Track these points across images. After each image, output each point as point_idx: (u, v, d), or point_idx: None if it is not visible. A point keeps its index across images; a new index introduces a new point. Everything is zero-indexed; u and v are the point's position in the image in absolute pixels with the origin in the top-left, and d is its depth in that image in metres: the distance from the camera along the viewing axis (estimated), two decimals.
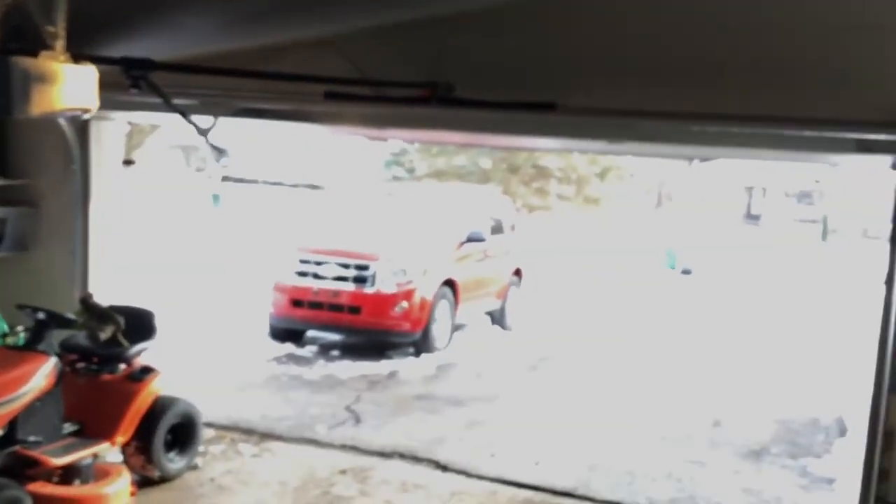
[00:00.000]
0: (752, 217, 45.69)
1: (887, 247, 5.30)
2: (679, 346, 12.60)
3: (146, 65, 4.16)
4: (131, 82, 4.20)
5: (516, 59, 5.59)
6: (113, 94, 4.64)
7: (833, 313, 15.72)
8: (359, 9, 5.36)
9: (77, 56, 3.36)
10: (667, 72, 5.15)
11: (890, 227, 5.30)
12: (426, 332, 10.45)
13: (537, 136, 5.77)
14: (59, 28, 3.20)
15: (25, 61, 3.10)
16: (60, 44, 3.23)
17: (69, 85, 3.20)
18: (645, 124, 5.22)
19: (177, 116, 4.82)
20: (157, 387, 6.09)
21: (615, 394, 9.51)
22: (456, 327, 11.26)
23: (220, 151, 4.94)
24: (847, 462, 7.12)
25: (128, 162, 4.69)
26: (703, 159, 6.99)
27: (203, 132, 4.91)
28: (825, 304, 17.16)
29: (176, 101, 4.72)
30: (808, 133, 4.55)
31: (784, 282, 21.08)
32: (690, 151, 6.97)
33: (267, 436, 7.27)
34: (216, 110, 5.16)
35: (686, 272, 22.38)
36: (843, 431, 8.49)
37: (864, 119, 4.45)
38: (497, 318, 12.42)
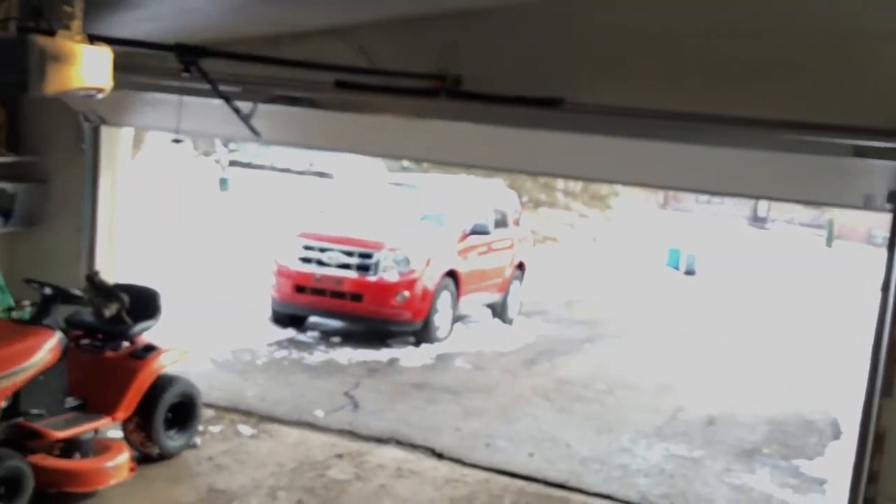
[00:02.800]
0: (757, 220, 45.66)
1: (885, 253, 5.35)
2: (678, 343, 12.67)
3: (197, 52, 4.31)
4: (183, 67, 4.34)
5: (525, 54, 5.64)
6: (164, 78, 4.82)
7: (834, 317, 15.79)
8: None
9: (93, 37, 3.44)
10: (671, 72, 5.21)
11: (889, 234, 5.35)
12: (427, 322, 10.53)
13: (543, 129, 5.80)
14: (76, 9, 3.28)
15: (43, 40, 3.18)
16: (77, 24, 3.30)
17: (84, 64, 3.28)
18: (649, 122, 5.25)
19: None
20: (159, 365, 6.18)
21: (611, 389, 9.58)
22: (457, 318, 11.34)
23: (258, 135, 5.04)
24: (839, 464, 7.19)
25: (177, 140, 4.83)
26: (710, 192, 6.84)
27: (244, 118, 5.04)
28: (826, 308, 17.23)
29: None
30: (807, 137, 4.60)
31: (787, 285, 21.15)
32: (690, 180, 6.76)
33: (266, 418, 7.36)
34: (255, 97, 5.28)
35: (690, 272, 22.42)
36: (837, 434, 8.55)
37: (862, 125, 4.49)
38: (498, 310, 12.50)
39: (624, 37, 5.37)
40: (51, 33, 3.25)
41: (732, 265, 24.02)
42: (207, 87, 5.31)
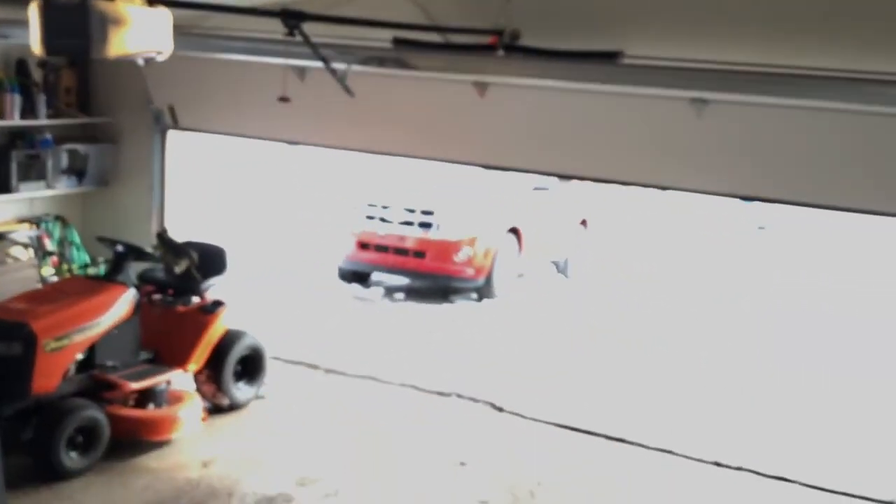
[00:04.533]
0: None
1: None
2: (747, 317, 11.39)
3: (299, 16, 4.53)
4: (288, 31, 4.56)
5: (584, 6, 5.57)
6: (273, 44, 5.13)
7: None
8: None
9: (153, 0, 3.53)
10: (733, 21, 5.08)
11: None
12: (489, 279, 10.60)
13: (603, 83, 5.72)
14: None
15: (103, 5, 3.28)
16: None
17: (144, 28, 3.38)
18: (710, 75, 5.13)
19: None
20: (226, 319, 6.39)
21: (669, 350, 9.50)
22: (520, 275, 11.37)
23: (352, 94, 5.19)
24: None
25: (283, 99, 5.00)
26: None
27: (340, 78, 5.22)
28: None
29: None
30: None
31: (871, 241, 18.97)
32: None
33: (331, 371, 7.55)
34: (348, 58, 5.44)
35: (761, 228, 21.79)
36: None
37: None
38: (561, 267, 12.48)
39: None
40: None
41: (810, 219, 22.18)
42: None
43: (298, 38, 4.58)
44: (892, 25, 4.60)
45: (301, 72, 5.87)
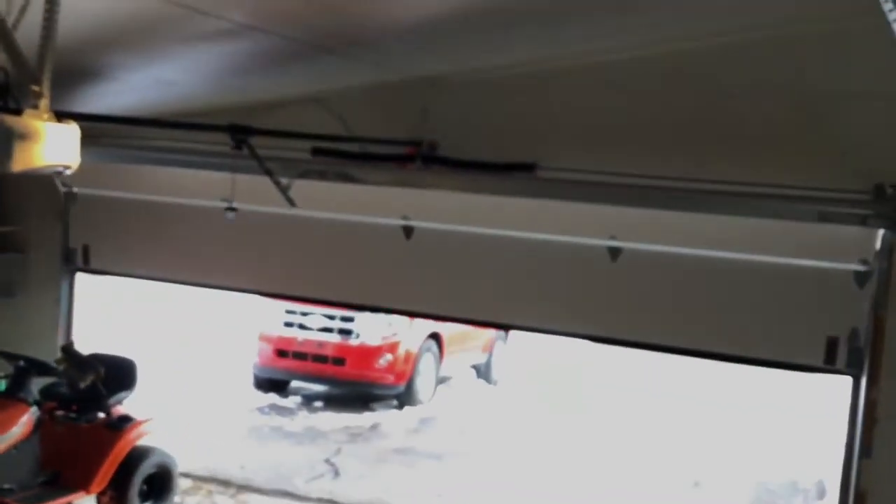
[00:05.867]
0: None
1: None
2: (658, 402, 12.21)
3: (247, 130, 4.52)
4: (235, 144, 4.54)
5: (501, 120, 5.69)
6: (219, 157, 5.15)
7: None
8: (341, 67, 5.50)
9: (61, 114, 3.45)
10: (638, 137, 5.25)
11: None
12: (410, 385, 10.47)
13: (519, 195, 5.82)
14: (44, 87, 3.30)
15: (9, 119, 3.19)
16: (45, 102, 3.32)
17: (51, 143, 3.29)
18: (620, 189, 5.28)
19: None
20: (134, 436, 6.11)
21: (594, 454, 9.43)
22: (440, 380, 11.26)
23: (294, 205, 5.22)
24: None
25: (230, 210, 4.94)
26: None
27: (284, 190, 5.19)
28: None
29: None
30: (774, 204, 4.63)
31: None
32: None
33: (244, 487, 7.27)
34: (290, 172, 5.44)
35: None
36: (821, 494, 8.47)
37: (828, 188, 4.51)
38: (482, 371, 12.43)
39: (598, 106, 5.43)
40: (18, 112, 3.28)
41: None
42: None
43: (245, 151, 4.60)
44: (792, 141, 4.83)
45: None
